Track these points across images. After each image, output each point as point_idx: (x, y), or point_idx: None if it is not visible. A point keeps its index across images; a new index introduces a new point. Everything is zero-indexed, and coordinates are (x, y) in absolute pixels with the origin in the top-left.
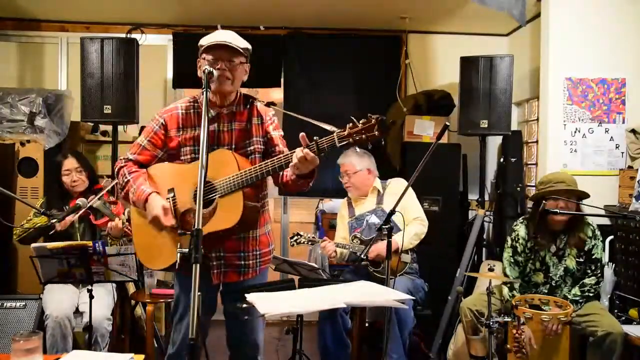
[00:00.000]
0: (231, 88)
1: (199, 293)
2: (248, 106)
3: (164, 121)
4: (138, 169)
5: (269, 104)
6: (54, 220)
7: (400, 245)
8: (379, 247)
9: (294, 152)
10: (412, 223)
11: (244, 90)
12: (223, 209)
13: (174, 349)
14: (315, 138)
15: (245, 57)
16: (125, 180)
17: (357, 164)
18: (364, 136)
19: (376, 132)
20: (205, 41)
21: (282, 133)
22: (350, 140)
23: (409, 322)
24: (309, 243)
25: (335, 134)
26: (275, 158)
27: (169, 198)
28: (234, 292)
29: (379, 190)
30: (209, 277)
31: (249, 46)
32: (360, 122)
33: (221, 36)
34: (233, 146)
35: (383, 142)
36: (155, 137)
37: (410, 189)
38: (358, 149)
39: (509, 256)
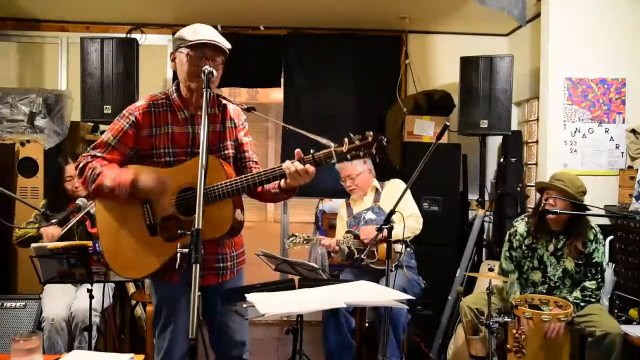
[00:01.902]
0: (212, 87)
1: (199, 293)
2: (221, 108)
3: (135, 119)
4: (109, 163)
5: (249, 109)
6: (53, 221)
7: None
8: (368, 230)
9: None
10: (407, 218)
11: (244, 91)
12: (209, 217)
13: (159, 357)
14: (312, 151)
15: (225, 56)
16: (97, 172)
17: (357, 166)
18: (361, 153)
19: (374, 151)
20: (190, 36)
21: (251, 140)
22: (348, 156)
23: (402, 320)
24: (305, 242)
25: (332, 149)
26: (269, 169)
27: (146, 204)
28: (215, 295)
29: (377, 189)
30: (188, 281)
31: (230, 46)
32: (357, 137)
33: (206, 34)
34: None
35: (377, 160)
36: (126, 136)
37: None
38: None
39: (505, 250)
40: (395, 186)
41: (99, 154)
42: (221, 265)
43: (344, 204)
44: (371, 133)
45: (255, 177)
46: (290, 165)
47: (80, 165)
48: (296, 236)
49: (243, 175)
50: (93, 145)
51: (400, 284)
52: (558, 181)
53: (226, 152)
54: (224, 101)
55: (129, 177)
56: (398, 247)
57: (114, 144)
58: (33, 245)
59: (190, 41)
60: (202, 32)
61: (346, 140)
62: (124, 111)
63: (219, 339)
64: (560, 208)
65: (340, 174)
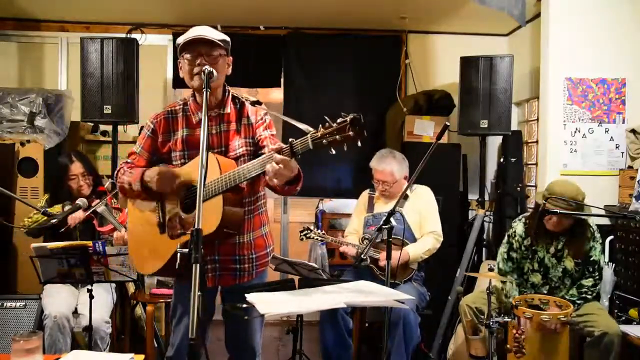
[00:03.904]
0: (215, 83)
1: (199, 293)
2: (238, 107)
3: (154, 127)
4: (136, 167)
5: (254, 103)
6: (53, 220)
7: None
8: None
9: (269, 155)
10: (428, 236)
11: (244, 91)
12: (204, 214)
13: (172, 351)
14: (290, 140)
15: (225, 49)
16: (122, 172)
17: (397, 173)
18: (337, 137)
19: (350, 133)
20: (182, 39)
21: (273, 132)
22: (324, 141)
23: (414, 340)
24: (319, 240)
25: (308, 135)
26: (250, 163)
27: (159, 203)
28: (233, 294)
29: (406, 195)
30: (204, 281)
31: (227, 38)
32: (336, 122)
33: (196, 31)
34: (222, 149)
35: (360, 144)
36: (147, 144)
37: (434, 200)
38: (395, 153)
39: (504, 251)
40: (423, 195)
41: (129, 161)
42: (238, 266)
43: (367, 196)
44: (350, 115)
45: (240, 172)
46: (268, 167)
47: (116, 172)
48: (311, 230)
49: (230, 171)
50: (128, 153)
51: (413, 298)
52: (561, 201)
53: (242, 150)
54: (242, 99)
55: (140, 172)
56: (413, 265)
57: (139, 151)
58: (33, 245)
59: (181, 43)
60: (192, 32)
61: (321, 125)
62: (147, 120)
63: (233, 340)
64: (566, 221)
65: (373, 174)
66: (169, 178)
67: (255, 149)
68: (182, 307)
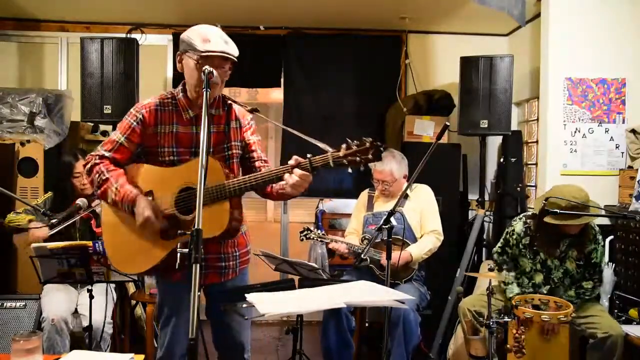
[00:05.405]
0: (217, 93)
1: (199, 293)
2: (226, 108)
3: (142, 116)
4: (116, 168)
5: (252, 111)
6: (53, 221)
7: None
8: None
9: (286, 167)
10: (429, 235)
11: (244, 90)
12: (206, 218)
13: (162, 352)
14: (308, 156)
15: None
16: (104, 178)
17: (396, 172)
18: (357, 159)
19: (370, 156)
20: (200, 45)
21: (259, 138)
22: (344, 161)
23: (415, 339)
24: (319, 240)
25: (329, 154)
26: (266, 172)
27: None
28: (218, 294)
29: (406, 194)
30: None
31: (237, 53)
32: (354, 143)
33: (216, 44)
34: (211, 150)
35: (375, 165)
36: (133, 134)
37: (434, 199)
38: (394, 152)
39: (499, 246)
40: (423, 194)
41: (107, 154)
42: (223, 264)
43: (367, 194)
44: (369, 139)
45: (251, 180)
46: (288, 178)
47: (88, 165)
48: (311, 231)
49: (241, 178)
50: (103, 142)
51: (413, 298)
52: (567, 208)
53: (230, 152)
54: (229, 101)
55: (133, 196)
56: (415, 264)
57: (122, 141)
58: (33, 245)
59: (201, 51)
60: (212, 41)
61: (343, 145)
62: (132, 109)
63: (221, 339)
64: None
65: (373, 174)
66: (153, 229)
67: (242, 152)
68: (168, 307)
